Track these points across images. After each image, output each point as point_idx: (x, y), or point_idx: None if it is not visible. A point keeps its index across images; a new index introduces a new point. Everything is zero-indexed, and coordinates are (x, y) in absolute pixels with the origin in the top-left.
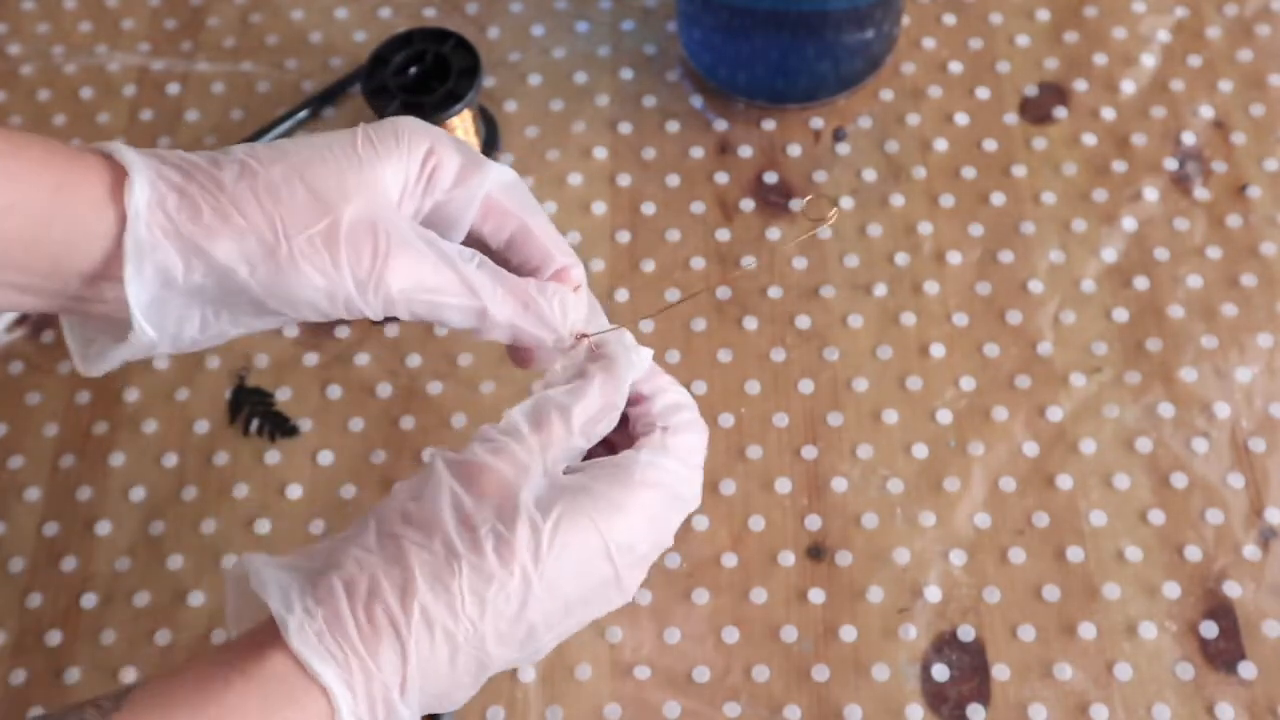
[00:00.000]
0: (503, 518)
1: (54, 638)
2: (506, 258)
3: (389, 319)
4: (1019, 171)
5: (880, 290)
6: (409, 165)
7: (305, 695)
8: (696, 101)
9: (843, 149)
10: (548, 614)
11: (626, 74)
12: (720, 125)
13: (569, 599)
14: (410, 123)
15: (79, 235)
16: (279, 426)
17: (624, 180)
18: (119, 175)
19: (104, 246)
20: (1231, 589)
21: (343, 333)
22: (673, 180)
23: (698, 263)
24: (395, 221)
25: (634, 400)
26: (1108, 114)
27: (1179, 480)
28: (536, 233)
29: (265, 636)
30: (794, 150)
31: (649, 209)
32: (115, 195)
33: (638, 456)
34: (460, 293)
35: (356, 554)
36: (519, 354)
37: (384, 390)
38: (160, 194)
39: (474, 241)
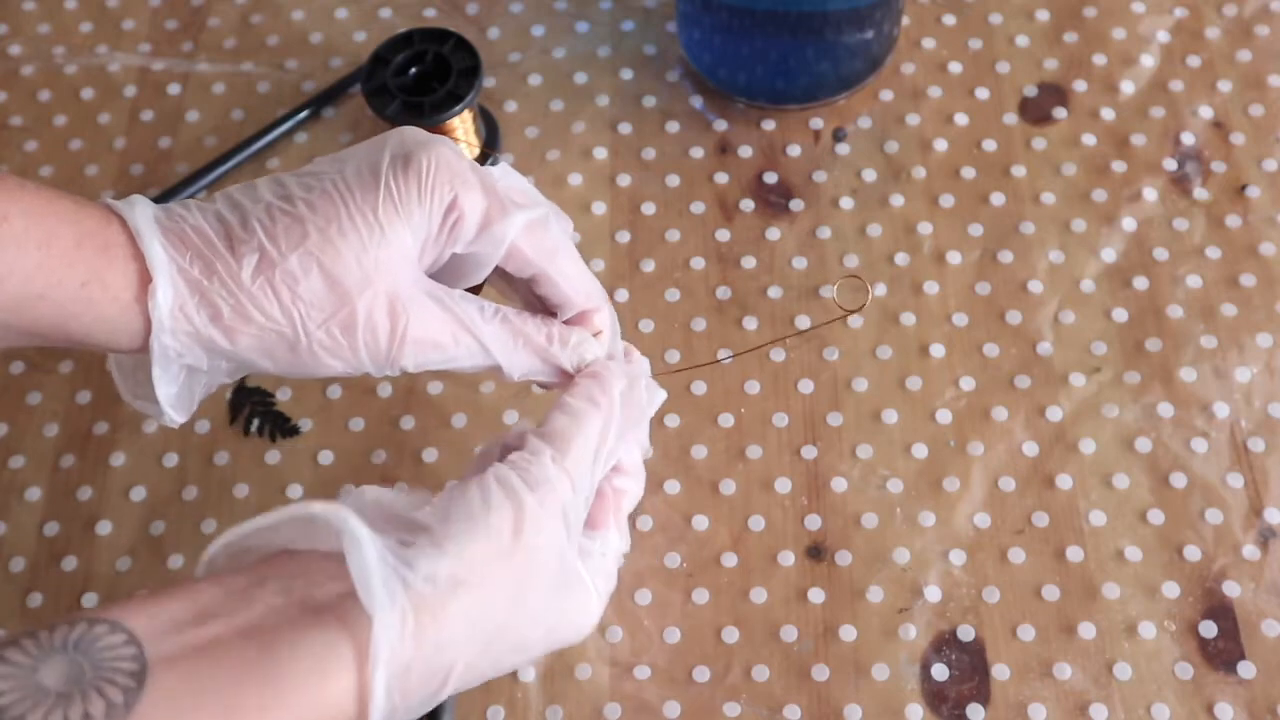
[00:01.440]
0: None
1: None
2: (529, 288)
3: None
4: (1019, 171)
5: (880, 290)
6: (430, 221)
7: (341, 704)
8: (696, 101)
9: (843, 149)
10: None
11: (626, 74)
12: (720, 125)
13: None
14: (439, 160)
15: (104, 329)
16: (279, 426)
17: (624, 180)
18: (143, 273)
19: (130, 341)
20: (1231, 589)
21: None
22: (673, 180)
23: (698, 263)
24: (413, 292)
25: None
26: (1107, 114)
27: (1178, 480)
28: (556, 279)
29: (333, 629)
30: (794, 150)
31: (649, 209)
32: (140, 297)
33: (608, 552)
34: (476, 355)
35: (466, 610)
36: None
37: (384, 390)
38: (181, 297)
39: (498, 272)
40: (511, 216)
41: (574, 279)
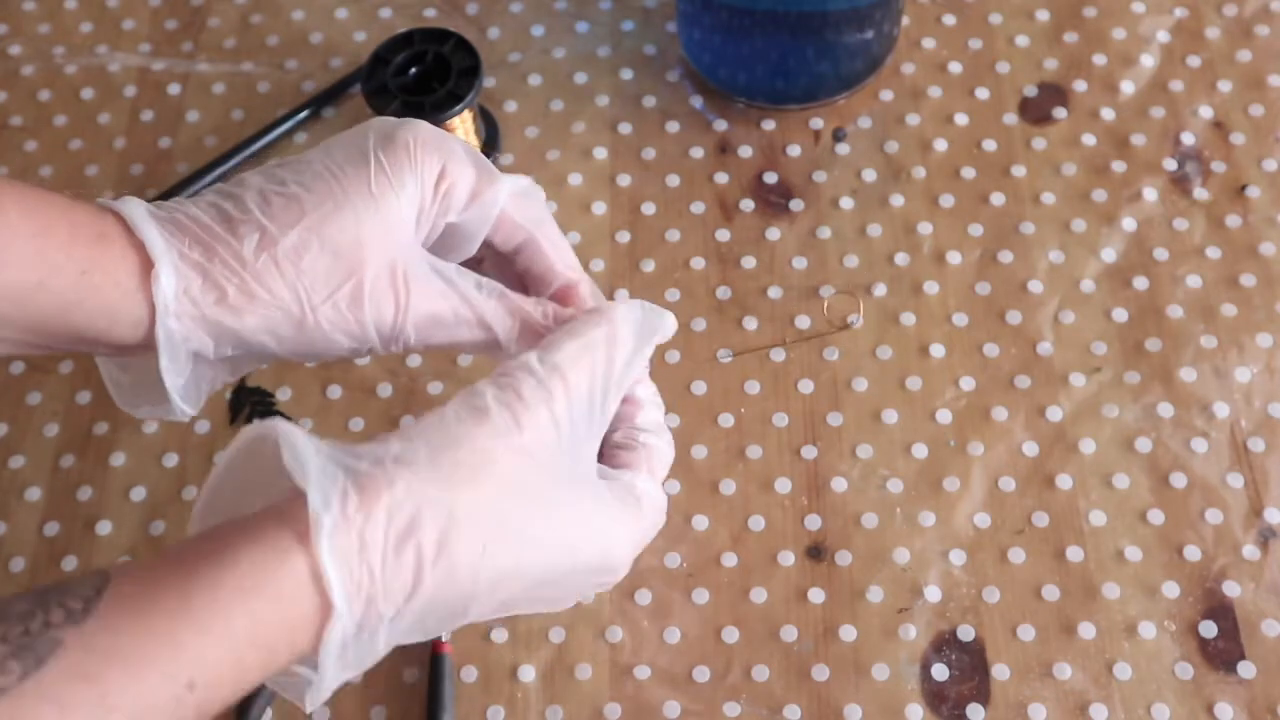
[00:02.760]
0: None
1: None
2: (513, 261)
3: None
4: (1019, 171)
5: (880, 290)
6: (423, 191)
7: (297, 596)
8: (696, 101)
9: (843, 149)
10: (526, 587)
11: (626, 74)
12: (720, 125)
13: (546, 586)
14: (419, 135)
15: (108, 319)
16: None
17: (624, 180)
18: (144, 260)
19: (134, 331)
20: (1231, 589)
21: None
22: (673, 180)
23: (698, 263)
24: (413, 262)
25: (626, 399)
26: (1107, 114)
27: (1178, 480)
28: (544, 245)
29: (273, 524)
30: (794, 150)
31: (649, 209)
32: (143, 283)
33: (636, 482)
34: (475, 329)
35: (409, 479)
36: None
37: (384, 390)
38: (185, 280)
39: (484, 246)
40: (500, 182)
41: (560, 247)
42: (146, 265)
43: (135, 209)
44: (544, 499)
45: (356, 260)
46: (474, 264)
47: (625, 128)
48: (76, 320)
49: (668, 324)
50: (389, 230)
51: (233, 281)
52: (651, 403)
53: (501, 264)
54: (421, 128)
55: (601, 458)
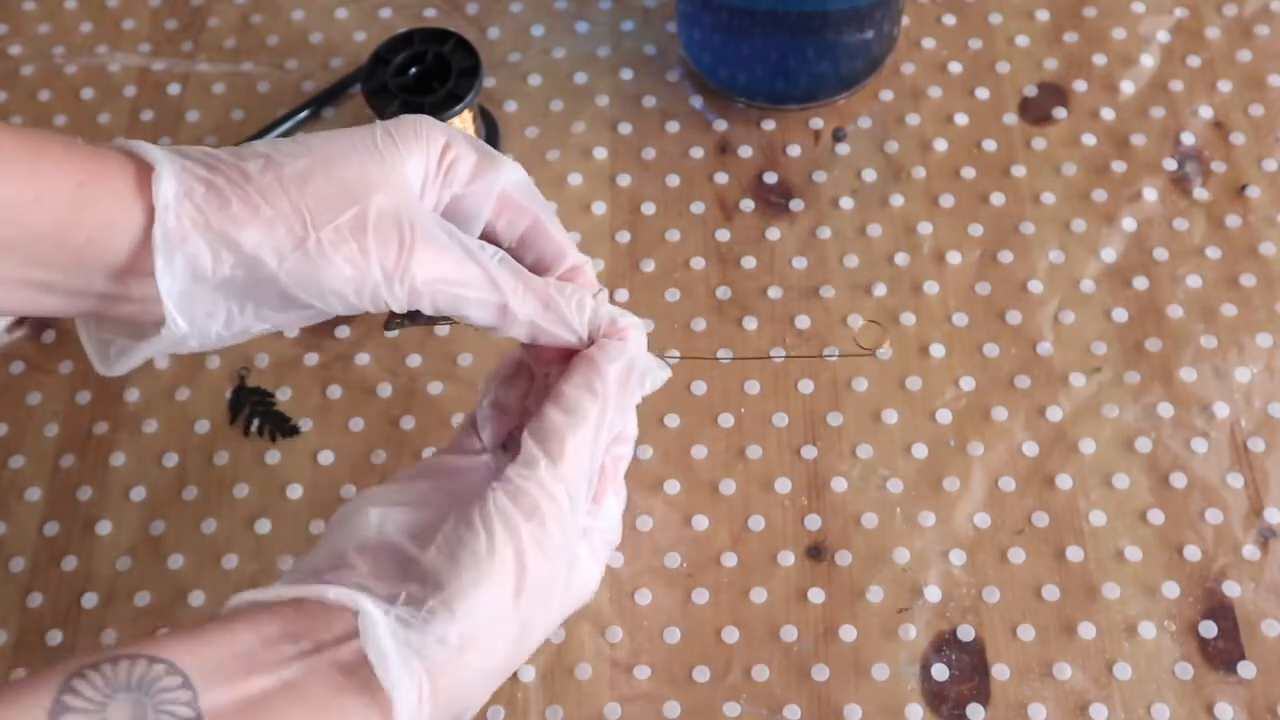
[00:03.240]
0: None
1: (55, 637)
2: (520, 254)
3: (397, 328)
4: (1019, 171)
5: (880, 290)
6: (428, 159)
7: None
8: (696, 101)
9: (843, 149)
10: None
11: (626, 74)
12: (720, 125)
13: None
14: (425, 119)
15: (105, 229)
16: (279, 426)
17: (624, 180)
18: (144, 170)
19: (131, 241)
20: (1231, 589)
21: (343, 333)
22: (673, 180)
23: (698, 263)
24: (419, 213)
25: None
26: (1107, 114)
27: (1178, 480)
28: (549, 228)
29: (363, 710)
30: (794, 150)
31: (649, 209)
32: (141, 189)
33: (610, 518)
34: (483, 287)
35: (468, 659)
36: (542, 353)
37: (384, 390)
38: (187, 186)
39: (488, 237)
40: (502, 163)
41: (564, 232)
42: (146, 174)
43: (134, 141)
44: (549, 608)
45: (362, 192)
46: None
47: (625, 128)
48: (74, 237)
49: (659, 376)
50: (394, 180)
51: (235, 193)
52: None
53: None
54: (426, 117)
55: None
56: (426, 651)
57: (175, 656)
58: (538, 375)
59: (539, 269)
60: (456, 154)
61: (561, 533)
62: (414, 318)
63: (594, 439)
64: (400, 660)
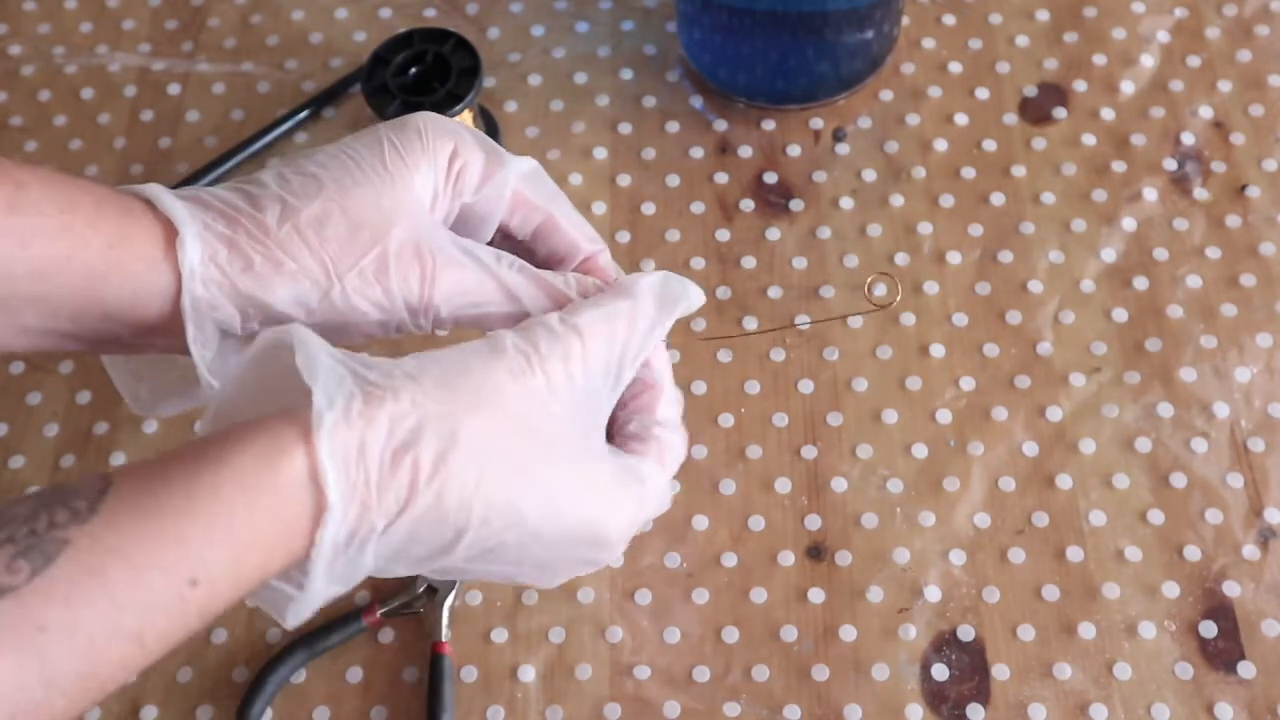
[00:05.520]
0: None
1: None
2: (534, 249)
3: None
4: (1019, 171)
5: (880, 290)
6: (436, 171)
7: (295, 493)
8: (696, 101)
9: (843, 149)
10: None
11: (626, 74)
12: (720, 125)
13: (536, 544)
14: (429, 120)
15: (134, 292)
16: None
17: (624, 180)
18: (169, 231)
19: (160, 304)
20: (1231, 589)
21: None
22: (673, 180)
23: (698, 263)
24: (436, 237)
25: (647, 386)
26: (1107, 114)
27: (1178, 480)
28: (562, 223)
29: (278, 422)
30: (794, 150)
31: (649, 209)
32: (169, 253)
33: (643, 466)
34: (502, 301)
35: (414, 394)
36: None
37: None
38: (211, 248)
39: (501, 233)
40: (510, 163)
41: (578, 221)
42: (172, 236)
43: (157, 189)
44: (547, 447)
45: (379, 230)
46: None
47: (625, 128)
48: (104, 296)
49: (692, 295)
50: (407, 206)
51: (258, 250)
52: (672, 398)
53: (521, 254)
54: (431, 115)
55: (613, 443)
56: (363, 374)
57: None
58: None
59: (553, 262)
60: (464, 161)
61: (564, 376)
62: None
63: (618, 336)
64: (329, 362)
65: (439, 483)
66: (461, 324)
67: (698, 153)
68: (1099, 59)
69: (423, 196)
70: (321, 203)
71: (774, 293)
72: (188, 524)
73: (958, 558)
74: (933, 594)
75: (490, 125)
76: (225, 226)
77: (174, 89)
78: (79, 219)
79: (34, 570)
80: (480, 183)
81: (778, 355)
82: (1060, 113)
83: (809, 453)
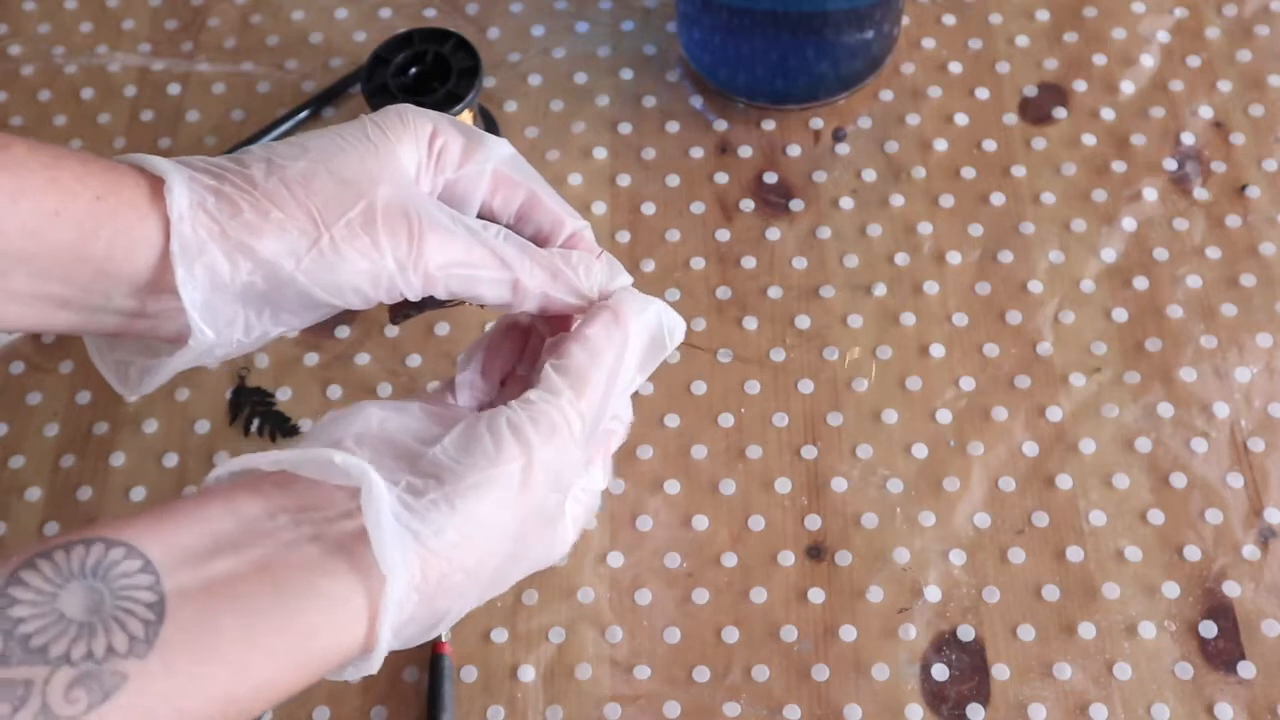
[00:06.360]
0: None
1: None
2: (519, 229)
3: (404, 318)
4: (1019, 171)
5: (880, 290)
6: (419, 146)
7: (350, 645)
8: (696, 101)
9: (843, 149)
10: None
11: (626, 74)
12: (720, 125)
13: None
14: (408, 108)
15: (124, 242)
16: (280, 426)
17: (624, 180)
18: (156, 184)
19: (150, 254)
20: (1231, 589)
21: (343, 333)
22: (673, 180)
23: (698, 263)
24: (423, 201)
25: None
26: (1107, 114)
27: (1178, 480)
28: (545, 200)
29: (348, 589)
30: (794, 150)
31: (649, 209)
32: (156, 201)
33: (595, 484)
34: (493, 266)
35: (463, 559)
36: (552, 322)
37: (384, 390)
38: (199, 196)
39: (485, 216)
40: (489, 142)
41: (559, 200)
42: (159, 187)
43: (140, 155)
44: (534, 533)
45: (366, 186)
46: None
47: (625, 128)
48: (94, 252)
49: (678, 334)
50: (393, 171)
51: (246, 200)
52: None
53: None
54: (409, 105)
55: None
56: (423, 538)
57: (136, 538)
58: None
59: (539, 240)
60: (445, 139)
61: (569, 468)
62: (423, 305)
63: (609, 384)
64: (397, 540)
65: (451, 608)
66: (453, 290)
67: (698, 153)
68: (1099, 59)
69: (407, 167)
70: (307, 163)
71: (774, 293)
72: (237, 678)
73: (958, 558)
74: (933, 594)
75: (490, 125)
76: (212, 179)
77: (174, 89)
78: (65, 174)
79: (90, 704)
80: (461, 160)
81: (778, 355)
82: (1060, 113)
83: (809, 453)
